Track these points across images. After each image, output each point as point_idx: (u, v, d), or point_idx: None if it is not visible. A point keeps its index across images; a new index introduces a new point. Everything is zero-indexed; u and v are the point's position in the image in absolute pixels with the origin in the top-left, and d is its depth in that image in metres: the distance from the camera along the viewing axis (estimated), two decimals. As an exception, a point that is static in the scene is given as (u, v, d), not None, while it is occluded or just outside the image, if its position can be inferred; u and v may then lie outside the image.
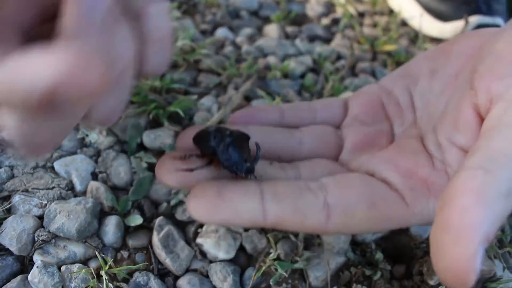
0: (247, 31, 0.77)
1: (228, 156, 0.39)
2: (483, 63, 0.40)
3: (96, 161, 0.54)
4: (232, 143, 0.40)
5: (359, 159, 0.46)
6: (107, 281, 0.42)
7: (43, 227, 0.46)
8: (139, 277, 0.45)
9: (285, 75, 0.70)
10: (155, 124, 0.59)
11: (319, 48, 0.75)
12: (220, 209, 0.35)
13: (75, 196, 0.50)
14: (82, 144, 0.56)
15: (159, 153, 0.56)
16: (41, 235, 0.45)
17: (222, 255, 0.47)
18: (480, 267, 0.27)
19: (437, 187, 0.39)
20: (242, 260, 0.49)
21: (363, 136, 0.48)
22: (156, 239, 0.47)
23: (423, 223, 0.39)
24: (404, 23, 0.84)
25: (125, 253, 0.48)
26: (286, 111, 0.51)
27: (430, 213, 0.38)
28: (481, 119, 0.37)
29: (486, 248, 0.28)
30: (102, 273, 0.44)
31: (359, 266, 0.49)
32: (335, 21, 0.84)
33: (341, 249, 0.49)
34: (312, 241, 0.50)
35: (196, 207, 0.36)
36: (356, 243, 0.52)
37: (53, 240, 0.46)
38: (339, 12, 0.88)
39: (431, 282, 0.48)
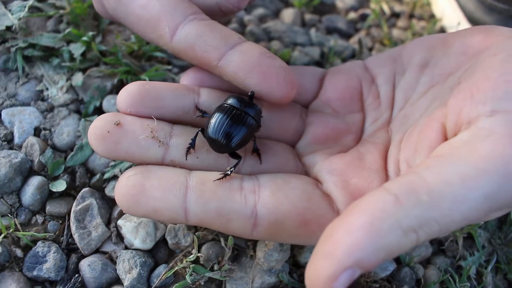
0: (260, 11, 0.70)
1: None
2: (469, 77, 0.32)
3: (46, 117, 0.51)
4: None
5: (314, 157, 0.41)
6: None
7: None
8: (39, 247, 0.41)
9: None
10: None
11: (333, 41, 0.67)
12: (141, 205, 0.34)
13: (11, 148, 0.47)
14: (39, 96, 0.52)
15: (114, 120, 0.52)
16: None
17: (137, 243, 0.42)
18: None
19: None
20: (162, 254, 0.44)
21: (329, 130, 0.42)
22: (72, 210, 0.43)
23: None
24: (443, 31, 0.73)
25: (40, 218, 0.44)
26: None
27: None
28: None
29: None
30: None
31: (292, 292, 0.42)
32: (363, 17, 0.74)
33: (272, 268, 0.42)
34: (245, 251, 0.44)
35: (120, 198, 0.34)
36: (297, 265, 0.44)
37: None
38: (372, 8, 0.78)
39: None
